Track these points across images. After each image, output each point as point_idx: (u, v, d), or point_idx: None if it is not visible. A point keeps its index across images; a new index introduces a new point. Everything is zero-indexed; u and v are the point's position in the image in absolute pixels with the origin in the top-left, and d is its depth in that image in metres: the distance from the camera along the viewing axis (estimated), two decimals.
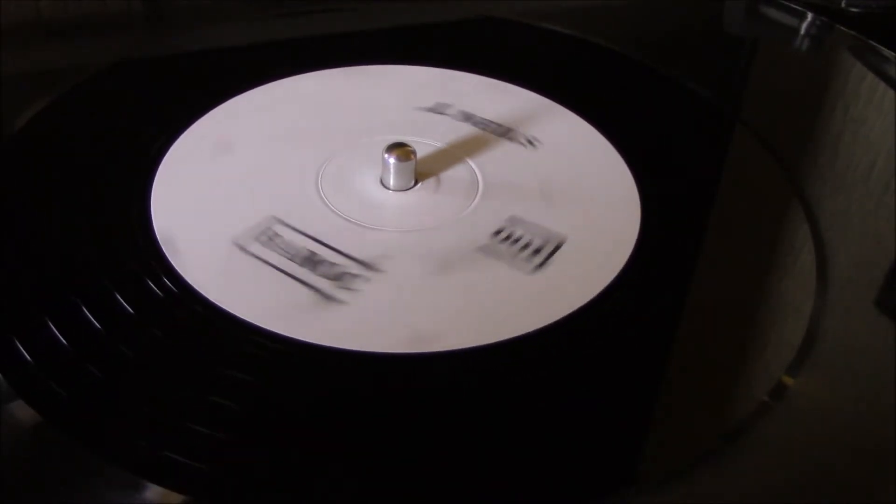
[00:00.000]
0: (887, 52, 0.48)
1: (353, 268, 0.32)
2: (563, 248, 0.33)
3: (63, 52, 0.47)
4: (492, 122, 0.40)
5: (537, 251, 0.33)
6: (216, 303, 0.30)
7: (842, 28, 0.51)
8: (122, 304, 0.30)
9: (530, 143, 0.37)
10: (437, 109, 0.41)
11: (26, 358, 0.28)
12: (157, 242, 0.33)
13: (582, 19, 0.53)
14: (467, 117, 0.41)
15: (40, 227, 0.34)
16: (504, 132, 0.39)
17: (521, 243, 0.33)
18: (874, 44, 0.49)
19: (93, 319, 0.29)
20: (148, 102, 0.42)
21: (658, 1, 0.57)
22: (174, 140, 0.38)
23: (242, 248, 0.32)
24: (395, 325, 0.30)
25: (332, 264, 0.32)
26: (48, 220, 0.34)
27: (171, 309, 0.30)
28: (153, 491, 0.24)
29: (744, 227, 0.37)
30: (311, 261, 0.32)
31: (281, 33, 0.49)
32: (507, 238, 0.33)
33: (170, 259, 0.32)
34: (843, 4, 0.53)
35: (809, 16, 0.52)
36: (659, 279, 0.33)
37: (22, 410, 0.26)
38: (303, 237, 0.33)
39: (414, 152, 0.35)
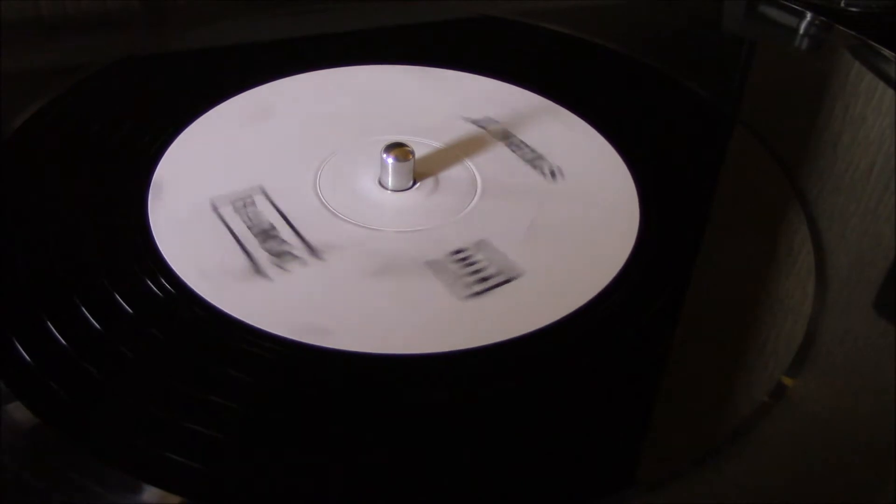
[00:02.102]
0: (887, 52, 0.48)
1: (298, 250, 0.32)
2: (513, 283, 0.32)
3: (63, 52, 0.47)
4: (527, 146, 0.39)
5: (484, 279, 0.32)
6: (215, 304, 0.30)
7: (841, 28, 0.51)
8: (120, 304, 0.30)
9: (552, 174, 0.37)
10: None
11: (25, 358, 0.28)
12: (156, 242, 0.33)
13: (582, 19, 0.53)
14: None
15: (39, 226, 0.34)
16: (534, 157, 0.38)
17: (474, 268, 0.32)
18: (874, 44, 0.49)
19: (91, 320, 0.29)
20: (147, 101, 0.42)
21: (658, 1, 0.57)
22: (174, 140, 0.38)
23: (215, 209, 0.34)
24: (297, 312, 0.30)
25: (282, 241, 0.33)
26: (46, 219, 0.34)
27: (170, 309, 0.30)
28: (151, 492, 0.24)
29: (743, 227, 0.37)
30: (266, 234, 0.33)
31: (279, 32, 0.49)
32: (463, 260, 0.33)
33: (150, 220, 0.33)
34: (842, 4, 0.53)
35: (809, 15, 0.52)
36: (658, 279, 0.33)
37: (20, 412, 0.26)
38: (274, 211, 0.34)
39: (412, 152, 0.35)
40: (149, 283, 0.31)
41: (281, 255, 0.32)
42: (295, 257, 0.32)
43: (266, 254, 0.32)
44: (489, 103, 0.42)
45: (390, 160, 0.35)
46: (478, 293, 0.31)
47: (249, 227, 0.33)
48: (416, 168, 0.36)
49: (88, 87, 0.43)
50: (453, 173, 0.37)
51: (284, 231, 0.33)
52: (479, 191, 0.36)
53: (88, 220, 0.34)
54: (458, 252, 0.33)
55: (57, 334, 0.29)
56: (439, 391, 0.28)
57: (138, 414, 0.26)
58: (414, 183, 0.36)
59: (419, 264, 0.32)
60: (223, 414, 0.26)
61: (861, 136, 0.42)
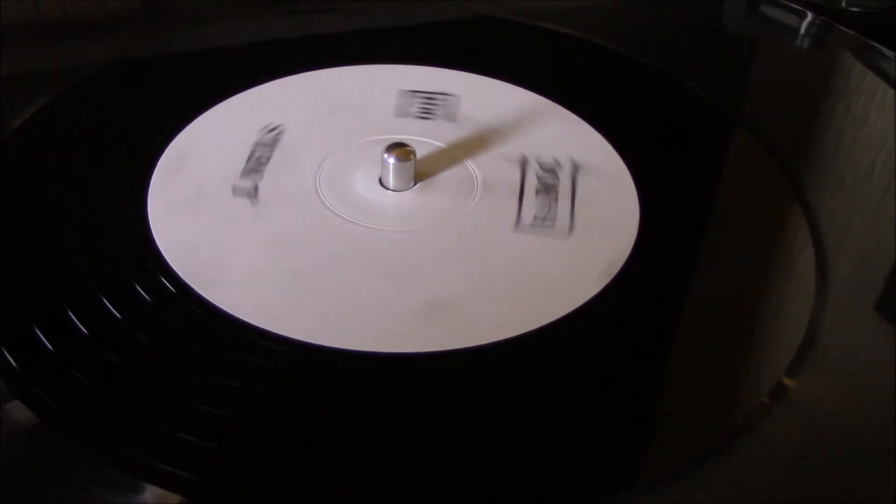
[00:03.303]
0: (887, 52, 0.48)
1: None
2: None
3: (62, 52, 0.46)
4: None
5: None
6: (215, 303, 0.30)
7: (842, 28, 0.51)
8: (119, 304, 0.30)
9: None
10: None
11: (23, 359, 0.28)
12: (155, 242, 0.33)
13: (581, 19, 0.53)
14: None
15: (37, 227, 0.34)
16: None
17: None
18: (874, 43, 0.49)
19: (90, 320, 0.29)
20: (146, 102, 0.42)
21: (658, 1, 0.57)
22: (173, 140, 0.38)
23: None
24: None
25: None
26: (45, 220, 0.34)
27: (170, 310, 0.30)
28: (150, 491, 0.24)
29: (743, 227, 0.37)
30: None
31: (280, 33, 0.49)
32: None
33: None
34: (843, 4, 0.53)
35: (809, 15, 0.52)
36: (658, 279, 0.33)
37: (19, 411, 0.26)
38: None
39: (413, 152, 0.35)
40: (148, 282, 0.31)
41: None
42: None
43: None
44: (490, 104, 0.42)
45: (391, 160, 0.35)
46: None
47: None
48: (417, 168, 0.36)
49: (87, 89, 0.43)
50: (454, 173, 0.37)
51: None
52: (478, 190, 0.36)
53: (87, 221, 0.34)
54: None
55: (56, 334, 0.29)
56: (439, 391, 0.28)
57: (138, 413, 0.26)
58: (414, 183, 0.36)
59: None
60: (224, 413, 0.26)
61: (862, 137, 0.42)
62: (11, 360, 0.28)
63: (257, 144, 0.38)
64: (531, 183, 0.37)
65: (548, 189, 0.36)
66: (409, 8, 0.53)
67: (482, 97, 0.43)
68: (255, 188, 0.36)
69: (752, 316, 0.32)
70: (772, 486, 0.26)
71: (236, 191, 0.35)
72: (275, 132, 0.39)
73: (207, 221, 0.34)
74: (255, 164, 0.37)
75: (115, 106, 0.42)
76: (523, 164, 0.36)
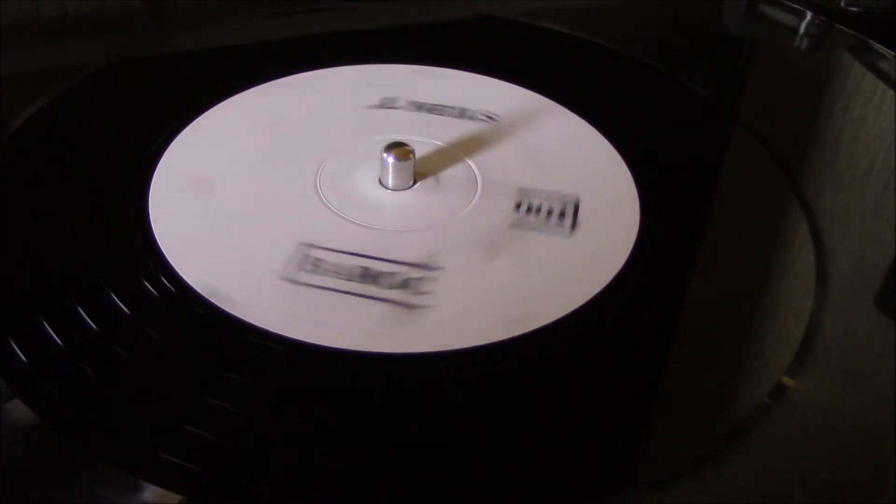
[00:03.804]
0: (887, 52, 0.48)
1: (412, 272, 0.32)
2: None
3: (63, 52, 0.47)
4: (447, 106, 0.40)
5: (562, 214, 0.34)
6: (215, 303, 0.30)
7: (841, 27, 0.51)
8: (119, 304, 0.30)
9: (490, 118, 0.38)
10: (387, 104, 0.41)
11: (22, 358, 0.28)
12: (155, 242, 0.33)
13: (582, 19, 0.53)
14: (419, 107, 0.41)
15: (38, 226, 0.34)
16: (460, 114, 0.39)
17: (544, 211, 0.33)
18: (873, 43, 0.49)
19: (90, 320, 0.29)
20: (146, 102, 0.42)
21: (658, 1, 0.57)
22: (173, 140, 0.38)
23: (293, 281, 0.31)
24: (488, 314, 0.30)
25: (391, 274, 0.32)
26: (45, 219, 0.34)
27: (170, 309, 0.30)
28: (151, 491, 0.24)
29: (743, 226, 0.37)
30: (368, 276, 0.32)
31: (280, 33, 0.49)
32: (529, 209, 0.34)
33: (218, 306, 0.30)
34: (842, 4, 0.53)
35: (809, 15, 0.52)
36: (658, 279, 0.33)
37: (19, 410, 0.26)
38: (345, 255, 0.32)
39: (413, 151, 0.35)
40: (149, 282, 0.31)
41: (407, 285, 0.31)
42: (418, 279, 0.32)
43: (393, 290, 0.31)
44: (489, 103, 0.42)
45: (391, 159, 0.35)
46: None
47: (347, 279, 0.32)
48: (417, 167, 0.36)
49: (87, 89, 0.43)
50: (454, 172, 0.37)
51: (377, 265, 0.32)
52: (479, 190, 0.36)
53: (87, 221, 0.34)
54: (518, 205, 0.34)
55: (54, 335, 0.29)
56: (438, 391, 0.28)
57: (138, 413, 0.26)
58: (414, 182, 0.36)
59: (508, 230, 0.33)
60: (223, 412, 0.26)
61: (861, 136, 0.42)
62: (9, 359, 0.28)
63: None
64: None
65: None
66: (410, 8, 0.53)
67: (482, 97, 0.43)
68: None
69: (751, 315, 0.32)
70: (772, 486, 0.26)
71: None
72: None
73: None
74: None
75: (115, 106, 0.42)
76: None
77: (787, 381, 0.29)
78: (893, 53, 0.48)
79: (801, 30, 0.52)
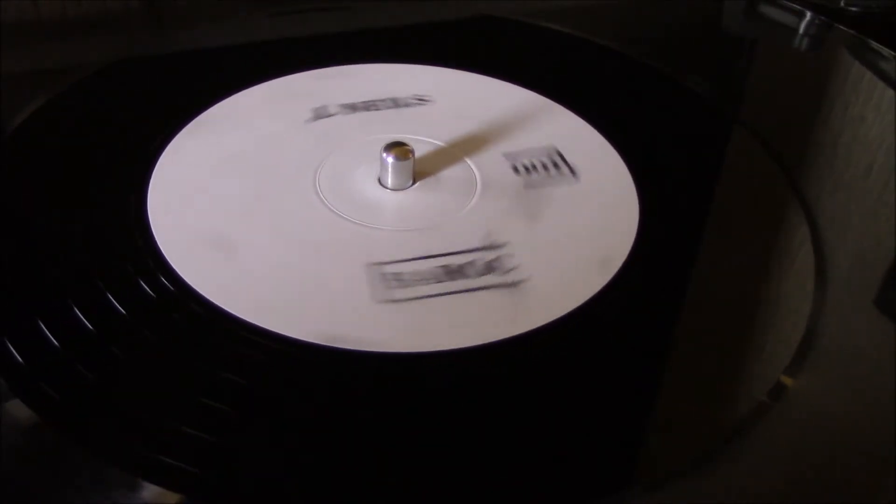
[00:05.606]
0: (886, 52, 0.48)
1: (486, 255, 0.32)
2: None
3: (62, 52, 0.47)
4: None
5: (555, 165, 0.36)
6: (215, 302, 0.30)
7: (841, 27, 0.51)
8: (119, 303, 0.30)
9: (422, 100, 0.39)
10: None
11: (20, 358, 0.28)
12: (155, 241, 0.33)
13: (581, 19, 0.53)
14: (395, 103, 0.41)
15: (37, 226, 0.34)
16: (394, 103, 0.40)
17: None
18: (873, 43, 0.49)
19: (89, 320, 0.29)
20: (146, 101, 0.42)
21: (658, 1, 0.57)
22: (172, 139, 0.38)
23: (392, 300, 0.31)
24: (579, 265, 0.32)
25: (470, 263, 0.32)
26: (45, 219, 0.34)
27: (170, 309, 0.30)
28: (150, 490, 0.24)
29: (743, 226, 0.37)
30: (453, 272, 0.32)
31: (279, 33, 0.49)
32: (527, 169, 0.36)
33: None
34: (842, 4, 0.53)
35: (808, 15, 0.52)
36: (658, 279, 0.33)
37: (19, 410, 0.26)
38: (415, 262, 0.32)
39: (412, 151, 0.35)
40: (149, 282, 0.31)
41: (493, 267, 0.32)
42: (497, 259, 0.32)
43: (488, 276, 0.31)
44: (490, 103, 0.42)
45: (390, 159, 0.35)
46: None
47: (438, 281, 0.32)
48: (416, 167, 0.36)
49: (87, 88, 0.43)
50: (453, 172, 0.37)
51: (451, 260, 0.33)
52: (478, 190, 0.36)
53: (87, 220, 0.34)
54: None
55: (53, 335, 0.29)
56: (438, 390, 0.28)
57: (137, 412, 0.26)
58: (414, 182, 0.36)
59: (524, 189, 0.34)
60: (223, 412, 0.26)
61: (861, 136, 0.42)
62: (9, 359, 0.28)
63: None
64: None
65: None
66: (410, 8, 0.53)
67: (482, 96, 0.43)
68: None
69: (751, 315, 0.32)
70: (771, 486, 0.26)
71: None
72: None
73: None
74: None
75: (115, 106, 0.42)
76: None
77: (787, 380, 0.29)
78: (893, 53, 0.48)
79: (801, 30, 0.52)
